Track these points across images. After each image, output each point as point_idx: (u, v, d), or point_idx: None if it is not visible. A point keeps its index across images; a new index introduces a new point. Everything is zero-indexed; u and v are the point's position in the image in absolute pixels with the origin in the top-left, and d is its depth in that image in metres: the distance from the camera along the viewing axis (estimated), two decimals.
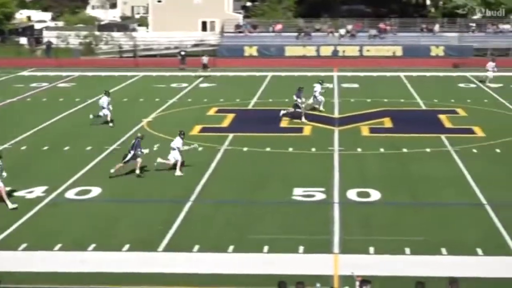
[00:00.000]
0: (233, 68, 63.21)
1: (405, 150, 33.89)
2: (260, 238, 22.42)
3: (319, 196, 26.83)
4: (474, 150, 33.69)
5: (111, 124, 39.04)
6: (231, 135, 37.10)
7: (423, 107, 45.68)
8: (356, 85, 55.57)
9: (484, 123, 39.42)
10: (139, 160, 29.40)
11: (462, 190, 27.51)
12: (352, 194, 26.97)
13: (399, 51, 73.10)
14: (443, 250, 21.25)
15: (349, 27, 77.24)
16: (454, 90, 52.87)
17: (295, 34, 76.78)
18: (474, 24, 78.33)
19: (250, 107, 46.48)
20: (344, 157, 32.55)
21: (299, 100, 40.36)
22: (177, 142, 30.32)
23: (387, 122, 40.48)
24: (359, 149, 33.89)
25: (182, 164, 30.14)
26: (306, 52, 73.45)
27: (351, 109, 44.28)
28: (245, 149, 33.65)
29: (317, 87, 44.01)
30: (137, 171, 29.38)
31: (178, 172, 29.84)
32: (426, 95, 49.83)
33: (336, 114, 42.99)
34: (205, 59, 60.98)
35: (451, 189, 27.63)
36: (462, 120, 40.88)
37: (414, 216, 24.64)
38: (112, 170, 29.19)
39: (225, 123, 40.29)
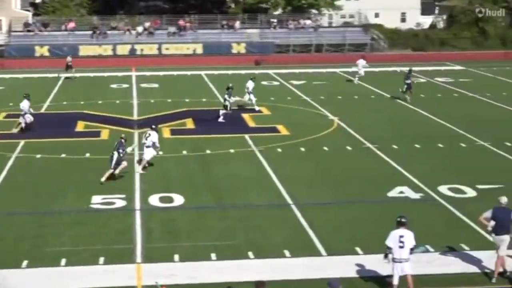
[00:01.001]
0: (23, 70, 61.48)
1: (208, 151, 34.24)
2: (57, 251, 21.89)
3: (120, 203, 26.57)
4: (279, 149, 34.53)
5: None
6: (22, 142, 36.08)
7: None
8: (155, 85, 55.62)
9: (288, 121, 40.51)
10: (124, 163, 29.54)
11: (268, 191, 28.10)
12: (154, 199, 26.90)
13: (199, 49, 73.71)
14: (250, 254, 21.59)
15: (147, 24, 77.06)
16: (258, 88, 53.93)
17: (90, 32, 75.71)
18: (275, 20, 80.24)
19: (42, 110, 45.39)
20: None
21: (228, 98, 41.24)
22: (154, 137, 30.94)
23: (189, 123, 40.76)
24: (160, 152, 33.86)
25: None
26: (102, 51, 72.57)
27: (151, 111, 44.22)
28: (38, 156, 32.79)
29: (250, 84, 44.62)
30: (103, 179, 29.03)
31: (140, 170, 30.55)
32: None
33: (135, 116, 42.80)
34: (69, 60, 59.16)
35: (257, 190, 28.16)
36: (266, 119, 41.82)
37: (219, 219, 24.90)
38: (102, 179, 28.91)
39: (16, 129, 39.09)
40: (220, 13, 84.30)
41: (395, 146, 35.03)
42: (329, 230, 23.57)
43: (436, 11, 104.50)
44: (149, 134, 31.22)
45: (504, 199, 20.01)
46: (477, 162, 32.38)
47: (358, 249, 21.78)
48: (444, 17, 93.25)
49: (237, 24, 78.74)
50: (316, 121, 41.12)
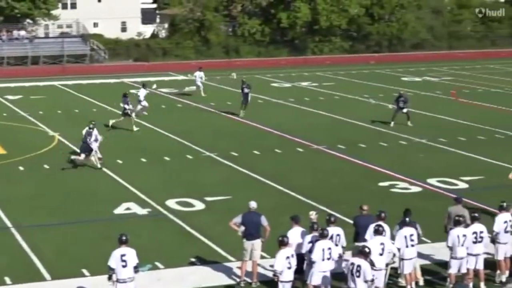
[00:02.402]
0: None
1: None
2: None
3: None
4: None
5: None
6: None
7: None
8: None
9: (4, 139, 39.50)
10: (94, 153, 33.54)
11: None
12: None
13: None
14: None
15: None
16: None
17: None
18: None
19: None
20: None
21: (126, 107, 41.80)
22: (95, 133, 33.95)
23: None
24: None
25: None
26: None
27: None
28: None
29: (141, 92, 45.27)
30: (98, 165, 33.57)
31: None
32: None
33: None
34: None
35: None
36: None
37: None
38: (99, 165, 33.39)
39: None
40: None
41: (120, 161, 35.16)
42: (53, 253, 23.25)
43: (157, 20, 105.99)
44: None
45: (252, 204, 20.71)
46: (203, 173, 33.22)
47: (85, 271, 21.62)
48: (166, 26, 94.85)
49: None
50: (35, 138, 40.38)
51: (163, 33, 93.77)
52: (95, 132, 33.61)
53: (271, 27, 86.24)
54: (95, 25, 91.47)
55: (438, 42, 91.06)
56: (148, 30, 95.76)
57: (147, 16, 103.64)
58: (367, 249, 17.83)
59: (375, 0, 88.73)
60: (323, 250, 18.64)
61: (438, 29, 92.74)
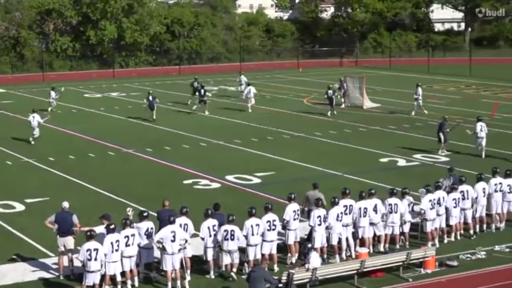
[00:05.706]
0: None
1: None
2: None
3: None
4: None
5: None
6: None
7: None
8: None
9: None
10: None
11: None
12: None
13: None
14: None
15: None
16: None
17: None
18: None
19: None
20: None
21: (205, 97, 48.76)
22: (38, 117, 39.40)
23: None
24: None
25: None
26: None
27: None
28: None
29: (52, 94, 49.73)
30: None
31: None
32: None
33: None
34: None
35: None
36: None
37: None
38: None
39: None
40: None
41: None
42: None
43: None
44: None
45: (65, 204, 20.59)
46: (23, 178, 32.30)
47: None
48: None
49: None
50: None
51: None
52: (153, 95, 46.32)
53: (81, 43, 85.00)
54: None
55: (231, 55, 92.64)
56: None
57: None
58: (234, 217, 19.95)
59: (175, 19, 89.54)
60: (111, 243, 18.88)
61: (231, 44, 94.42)
